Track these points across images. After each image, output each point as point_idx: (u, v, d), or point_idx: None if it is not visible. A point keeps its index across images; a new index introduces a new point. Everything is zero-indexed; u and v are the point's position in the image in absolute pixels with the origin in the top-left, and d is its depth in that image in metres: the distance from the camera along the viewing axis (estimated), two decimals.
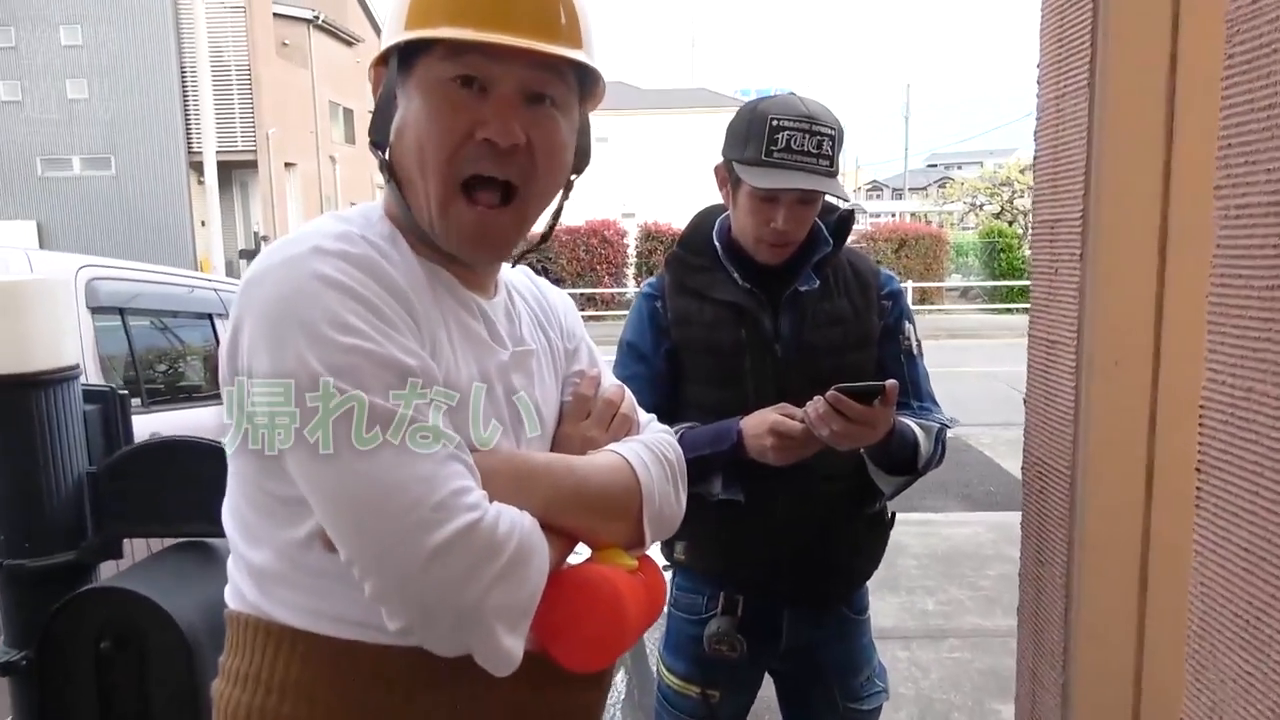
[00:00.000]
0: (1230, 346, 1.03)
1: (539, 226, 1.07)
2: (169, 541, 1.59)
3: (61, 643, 1.32)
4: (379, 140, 0.96)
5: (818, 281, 1.71)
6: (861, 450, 1.62)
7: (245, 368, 0.85)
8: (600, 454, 1.02)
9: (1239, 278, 1.01)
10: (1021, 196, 26.25)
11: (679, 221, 20.06)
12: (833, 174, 1.62)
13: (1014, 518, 5.91)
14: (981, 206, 28.15)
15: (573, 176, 1.04)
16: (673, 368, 1.76)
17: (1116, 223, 1.41)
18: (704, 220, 1.83)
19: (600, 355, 1.20)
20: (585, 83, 1.00)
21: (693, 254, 1.79)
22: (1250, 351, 1.00)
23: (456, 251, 0.97)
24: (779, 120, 1.58)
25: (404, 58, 0.94)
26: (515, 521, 0.86)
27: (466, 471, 0.85)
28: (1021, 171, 26.45)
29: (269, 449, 0.85)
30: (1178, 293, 1.37)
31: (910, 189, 48.93)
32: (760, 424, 1.57)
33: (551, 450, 1.06)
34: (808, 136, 1.57)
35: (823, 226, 1.74)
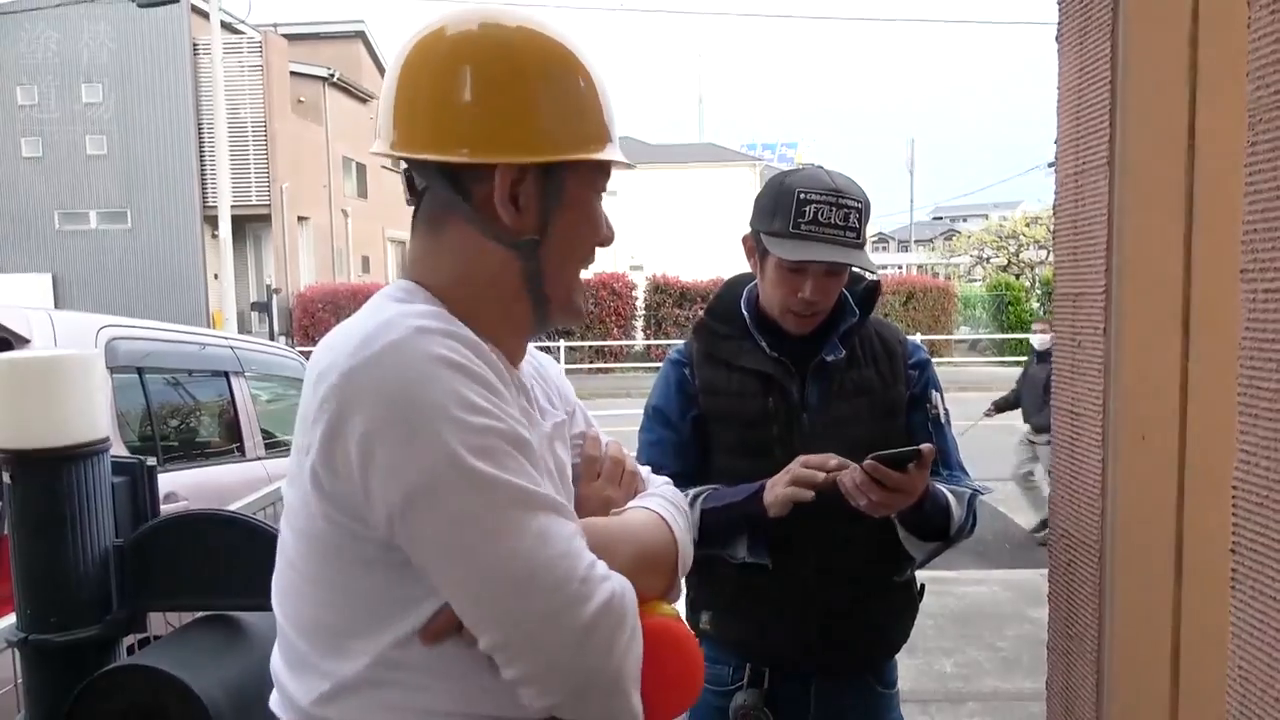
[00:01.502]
0: (1263, 429, 1.03)
1: None
2: (188, 616, 1.58)
3: None
4: (537, 237, 0.98)
5: (844, 351, 1.72)
6: (893, 516, 1.61)
7: (359, 467, 0.83)
8: (638, 512, 1.06)
9: (1269, 360, 1.02)
10: (1027, 249, 26.34)
11: (687, 274, 20.24)
12: (859, 246, 1.64)
13: (1030, 575, 5.81)
14: (988, 259, 28.25)
15: None
16: (699, 435, 1.76)
17: (1139, 296, 1.42)
18: (732, 289, 1.85)
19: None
20: None
21: (721, 322, 1.80)
22: None
23: (565, 320, 1.04)
24: (806, 194, 1.61)
25: (547, 168, 0.98)
26: (628, 588, 0.89)
27: (585, 543, 0.89)
28: (1027, 224, 26.59)
29: (400, 543, 0.85)
30: (1203, 366, 1.37)
31: (916, 241, 49.21)
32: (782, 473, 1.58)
33: None
34: (834, 210, 1.60)
35: (849, 296, 1.76)
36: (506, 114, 0.94)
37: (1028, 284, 24.52)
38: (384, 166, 28.56)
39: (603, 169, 1.01)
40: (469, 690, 0.90)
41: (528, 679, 0.84)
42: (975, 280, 29.29)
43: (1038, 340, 7.64)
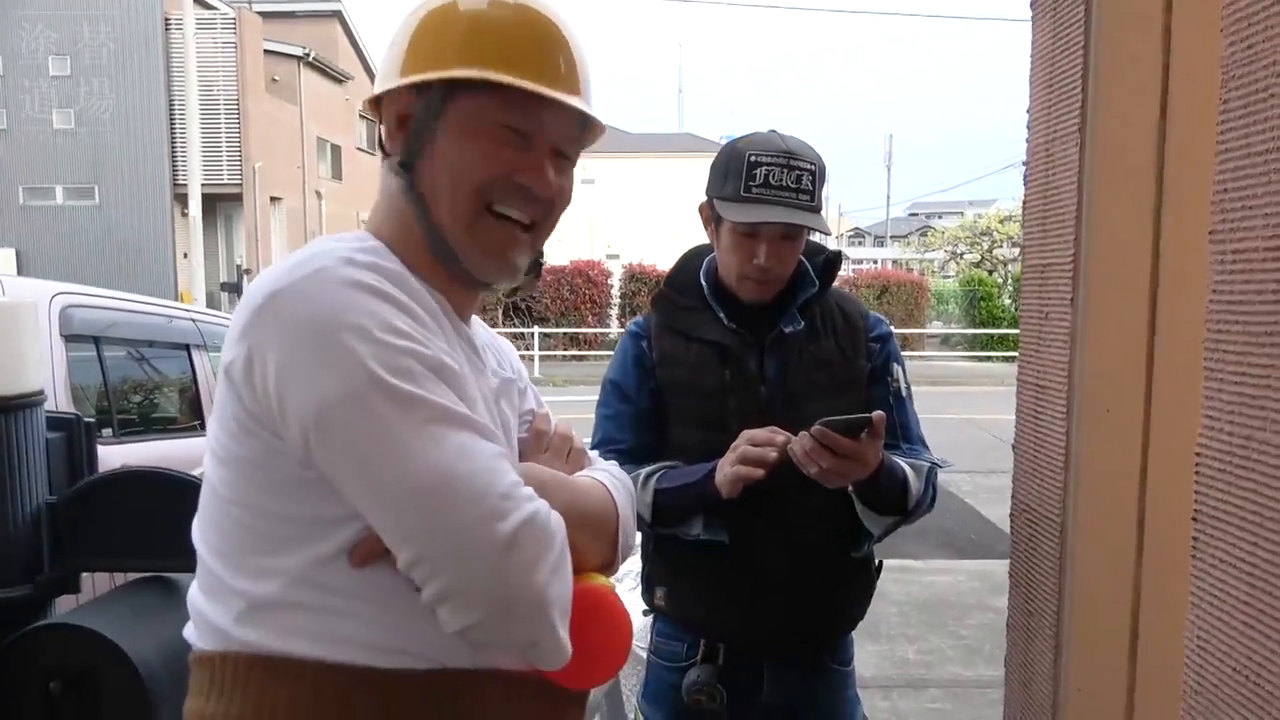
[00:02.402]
0: (1228, 394, 1.01)
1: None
2: (131, 576, 1.53)
3: (10, 682, 1.25)
4: (407, 161, 0.98)
5: (803, 323, 1.68)
6: (850, 489, 1.58)
7: (275, 383, 0.84)
8: (582, 479, 1.05)
9: (1236, 324, 1.00)
10: (1000, 246, 26.59)
11: (663, 263, 20.25)
12: (814, 209, 1.61)
13: (996, 566, 5.87)
14: (962, 255, 28.48)
15: None
16: (657, 408, 1.73)
17: (1108, 268, 1.40)
18: (691, 260, 1.81)
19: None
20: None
21: (679, 293, 1.77)
22: (1249, 399, 0.98)
23: (476, 264, 1.00)
24: (757, 156, 1.58)
25: (444, 90, 0.97)
26: (558, 518, 0.88)
27: (512, 467, 0.87)
28: (1001, 222, 26.83)
29: (316, 461, 0.84)
30: (1170, 339, 1.35)
31: (892, 237, 49.50)
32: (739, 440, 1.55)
33: None
34: (786, 171, 1.57)
35: (809, 267, 1.72)
36: (416, 46, 0.97)
37: (1000, 280, 24.74)
38: (358, 148, 28.29)
39: (506, 99, 0.95)
40: (393, 622, 0.87)
41: (445, 594, 0.82)
42: (949, 276, 29.53)
43: None
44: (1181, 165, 1.31)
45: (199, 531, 0.94)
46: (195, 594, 0.94)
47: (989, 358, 20.95)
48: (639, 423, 1.73)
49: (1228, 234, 1.00)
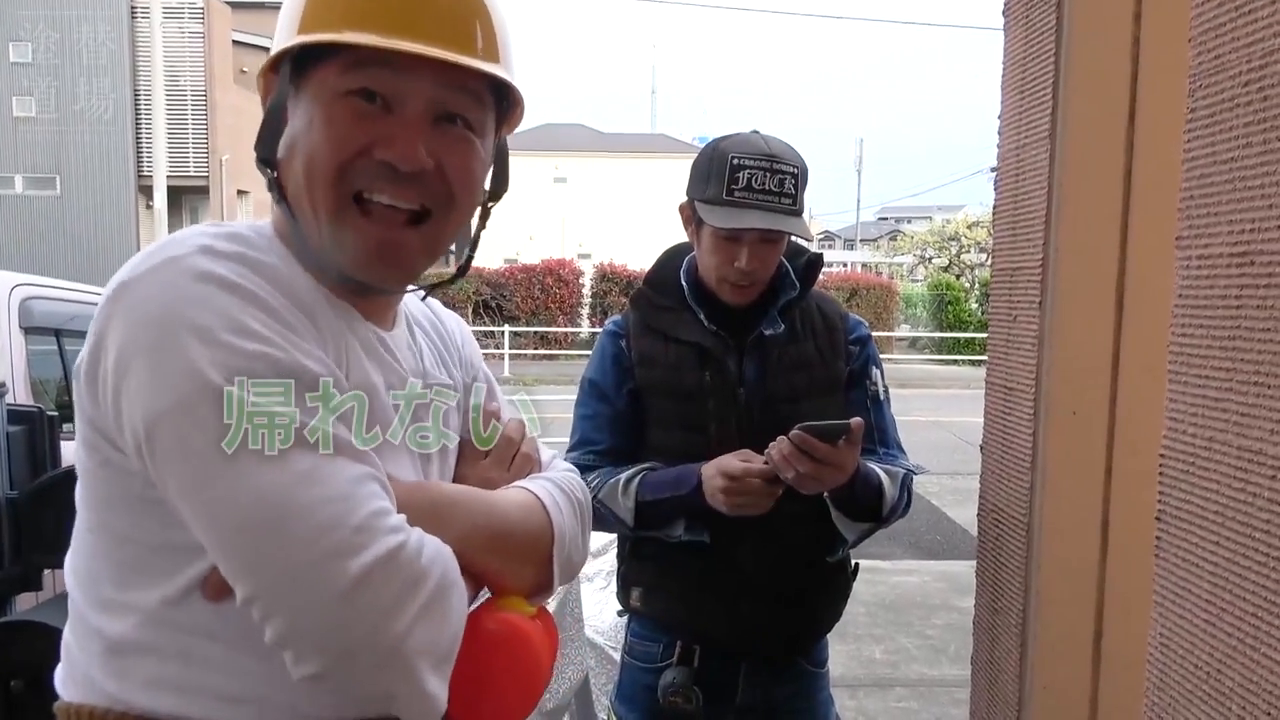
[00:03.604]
0: (1191, 396, 1.03)
1: (448, 260, 0.98)
2: None
3: None
4: (266, 156, 0.86)
5: (783, 325, 1.68)
6: (825, 496, 1.59)
7: (112, 386, 0.74)
8: (512, 490, 0.94)
9: (1200, 327, 1.02)
10: (968, 251, 26.89)
11: (635, 263, 20.27)
12: (796, 213, 1.61)
13: (961, 567, 5.94)
14: (930, 260, 28.78)
15: (490, 204, 0.96)
16: (635, 408, 1.72)
17: (1075, 272, 1.42)
18: (671, 259, 1.80)
19: (499, 388, 1.09)
20: (503, 103, 0.91)
21: (659, 293, 1.76)
22: (1212, 402, 1.00)
23: (351, 270, 0.85)
24: (740, 159, 1.56)
25: (298, 66, 0.84)
26: (438, 550, 0.77)
27: (384, 492, 0.76)
28: (969, 227, 27.15)
29: (153, 479, 0.74)
30: (1135, 342, 1.38)
31: (861, 240, 49.88)
32: (716, 468, 1.54)
33: None
34: (769, 175, 1.56)
35: (790, 269, 1.72)
36: (280, 21, 0.86)
37: (968, 285, 25.03)
38: None
39: (356, 60, 0.81)
40: (258, 666, 0.76)
41: (282, 640, 0.72)
42: (917, 280, 29.82)
43: None
44: (1148, 171, 1.33)
45: (68, 558, 0.85)
46: (66, 632, 0.85)
47: (956, 361, 21.19)
48: (617, 423, 1.72)
49: (1193, 240, 1.02)
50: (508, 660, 0.85)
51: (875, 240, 48.58)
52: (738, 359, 1.68)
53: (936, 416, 11.59)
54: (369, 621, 0.71)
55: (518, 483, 0.96)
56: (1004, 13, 1.54)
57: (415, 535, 0.76)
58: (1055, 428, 1.48)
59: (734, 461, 1.53)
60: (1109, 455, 1.43)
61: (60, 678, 0.84)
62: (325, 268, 0.86)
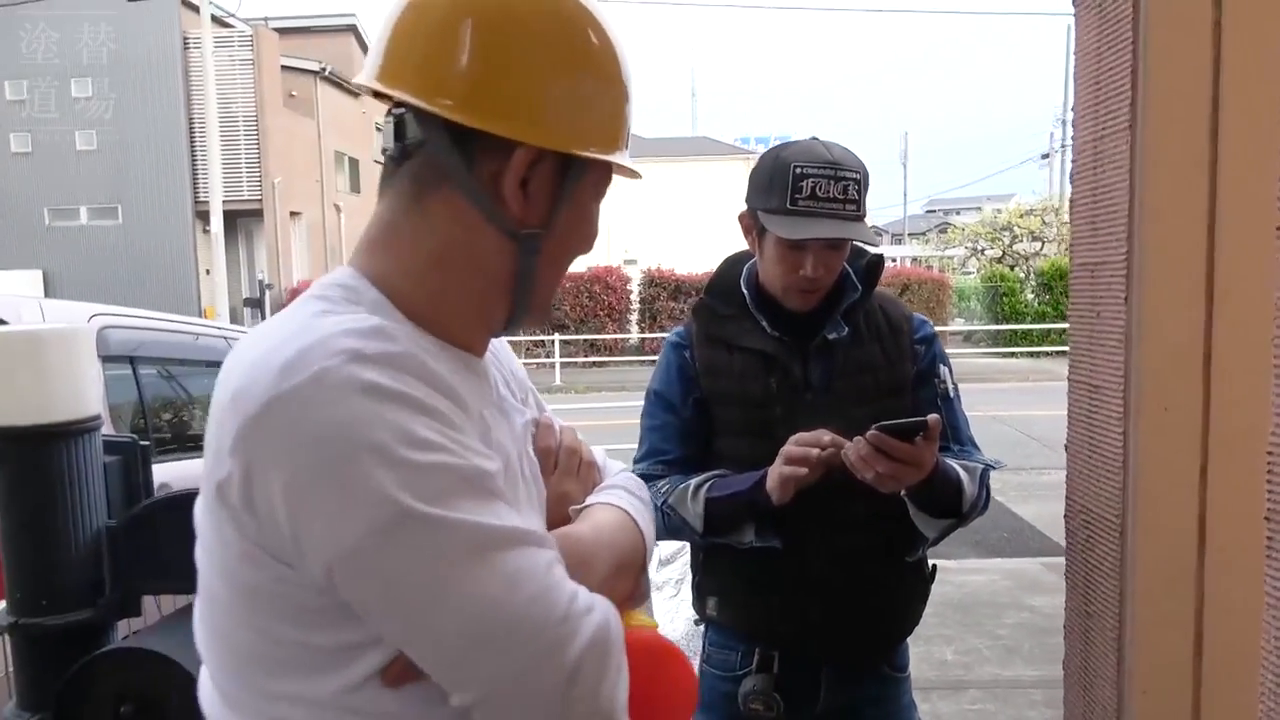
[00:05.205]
0: None
1: None
2: (187, 599, 1.54)
3: (79, 707, 1.26)
4: (542, 227, 0.88)
5: (847, 329, 1.67)
6: (904, 494, 1.57)
7: (286, 514, 0.72)
8: (605, 511, 0.96)
9: None
10: (1021, 241, 26.38)
11: (681, 268, 20.23)
12: (859, 218, 1.60)
13: (1029, 564, 5.82)
14: (983, 251, 28.29)
15: None
16: (702, 418, 1.72)
17: (1162, 265, 1.39)
18: (731, 267, 1.80)
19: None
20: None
21: (721, 302, 1.75)
22: None
23: (539, 324, 0.97)
24: (803, 168, 1.55)
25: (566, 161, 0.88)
26: (608, 609, 0.81)
27: (564, 569, 0.80)
28: (1021, 216, 26.63)
29: (347, 600, 0.74)
30: (1227, 336, 1.34)
31: (910, 234, 49.26)
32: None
33: None
34: (833, 183, 1.55)
35: (851, 272, 1.71)
36: (523, 81, 0.83)
37: (1022, 275, 24.55)
38: (376, 160, 28.45)
39: (609, 174, 0.92)
40: None
41: None
42: (969, 273, 29.33)
43: None
44: (1235, 160, 1.29)
45: (203, 642, 0.84)
46: (216, 708, 0.84)
47: (1013, 353, 20.80)
48: (685, 434, 1.72)
49: None
50: (663, 669, 0.90)
51: (924, 234, 47.92)
52: (803, 364, 1.67)
53: (996, 411, 11.37)
54: (587, 702, 0.76)
55: (598, 496, 0.99)
56: (1075, 3, 1.50)
57: (598, 605, 0.79)
58: (1146, 425, 1.44)
59: (805, 435, 1.52)
60: (1204, 453, 1.39)
61: None
62: (510, 329, 0.93)
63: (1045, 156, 33.92)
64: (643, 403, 1.80)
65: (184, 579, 1.51)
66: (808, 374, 1.66)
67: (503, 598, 0.73)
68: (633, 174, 0.93)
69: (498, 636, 0.73)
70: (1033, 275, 24.02)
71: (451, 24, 0.82)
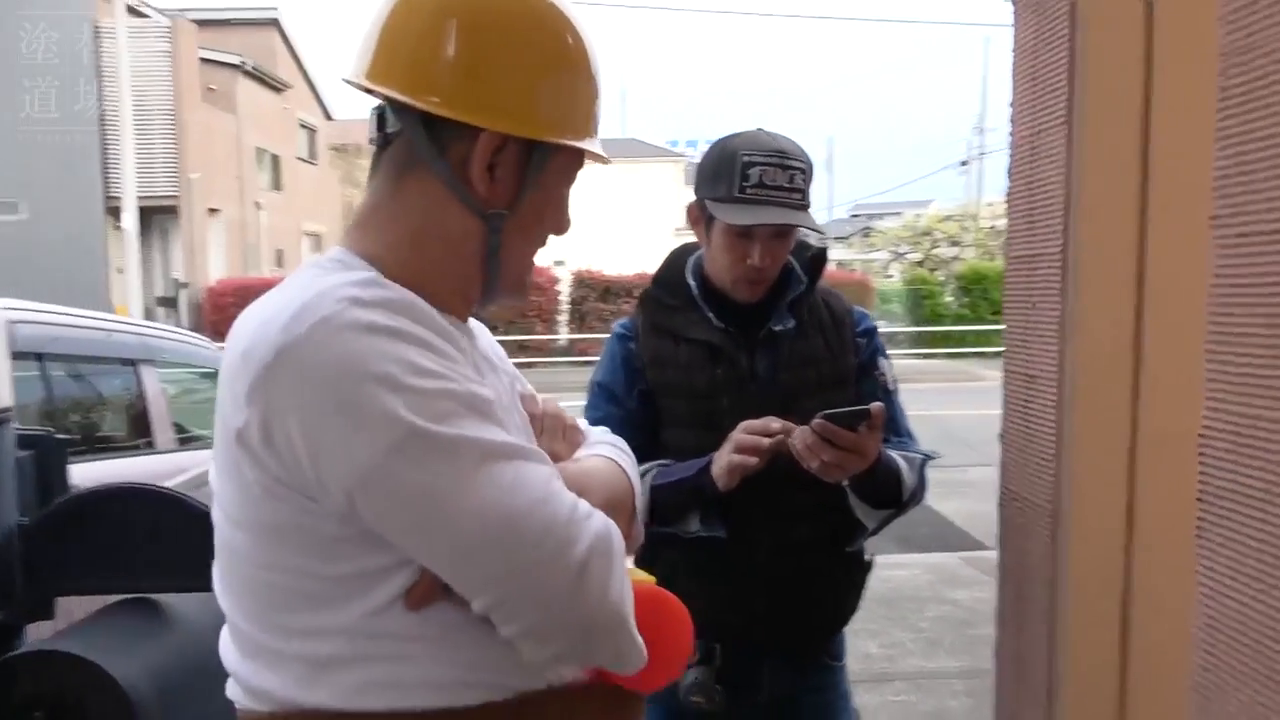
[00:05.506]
0: (1233, 374, 1.03)
1: None
2: (105, 600, 1.46)
3: None
4: (506, 208, 0.94)
5: (793, 321, 1.68)
6: (845, 484, 1.58)
7: (305, 447, 0.79)
8: (594, 460, 1.03)
9: (1241, 305, 1.01)
10: (941, 245, 27.09)
11: (611, 269, 20.21)
12: (805, 207, 1.62)
13: (949, 559, 5.94)
14: (904, 255, 28.97)
15: None
16: (647, 410, 1.71)
17: (1096, 256, 1.42)
18: (678, 259, 1.79)
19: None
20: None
21: (667, 293, 1.75)
22: (1255, 378, 1.00)
23: (515, 299, 1.04)
24: (751, 156, 1.57)
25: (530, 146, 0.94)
26: (609, 521, 0.87)
27: (563, 484, 0.86)
28: (940, 221, 27.36)
29: (368, 523, 0.80)
30: (1158, 325, 1.38)
31: (835, 238, 50.11)
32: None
33: None
34: (780, 171, 1.56)
35: (796, 265, 1.72)
36: (497, 75, 0.90)
37: (942, 279, 25.21)
38: (299, 158, 27.81)
39: (580, 160, 0.99)
40: (462, 656, 0.86)
41: (527, 633, 0.83)
42: (891, 276, 30.00)
43: None
44: (1167, 154, 1.34)
45: (225, 596, 0.90)
46: (234, 658, 0.90)
47: (933, 355, 21.34)
48: (628, 425, 1.70)
49: (1230, 218, 1.02)
50: (664, 617, 0.95)
51: (848, 238, 48.83)
52: (749, 356, 1.67)
53: (917, 410, 11.61)
54: (595, 597, 0.83)
55: (586, 451, 1.05)
56: (1013, 1, 1.54)
57: (598, 514, 0.86)
58: (1079, 414, 1.48)
59: (754, 422, 1.53)
60: (1132, 439, 1.43)
61: (237, 693, 0.89)
62: (485, 304, 1.00)
63: (964, 164, 34.92)
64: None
65: (104, 577, 1.44)
66: (754, 365, 1.67)
67: (510, 502, 0.80)
68: (601, 159, 0.99)
69: (507, 538, 0.80)
70: (952, 278, 24.69)
71: (438, 25, 0.90)
